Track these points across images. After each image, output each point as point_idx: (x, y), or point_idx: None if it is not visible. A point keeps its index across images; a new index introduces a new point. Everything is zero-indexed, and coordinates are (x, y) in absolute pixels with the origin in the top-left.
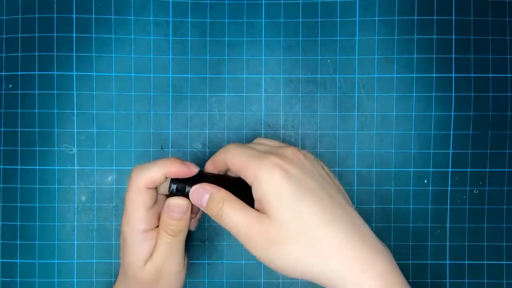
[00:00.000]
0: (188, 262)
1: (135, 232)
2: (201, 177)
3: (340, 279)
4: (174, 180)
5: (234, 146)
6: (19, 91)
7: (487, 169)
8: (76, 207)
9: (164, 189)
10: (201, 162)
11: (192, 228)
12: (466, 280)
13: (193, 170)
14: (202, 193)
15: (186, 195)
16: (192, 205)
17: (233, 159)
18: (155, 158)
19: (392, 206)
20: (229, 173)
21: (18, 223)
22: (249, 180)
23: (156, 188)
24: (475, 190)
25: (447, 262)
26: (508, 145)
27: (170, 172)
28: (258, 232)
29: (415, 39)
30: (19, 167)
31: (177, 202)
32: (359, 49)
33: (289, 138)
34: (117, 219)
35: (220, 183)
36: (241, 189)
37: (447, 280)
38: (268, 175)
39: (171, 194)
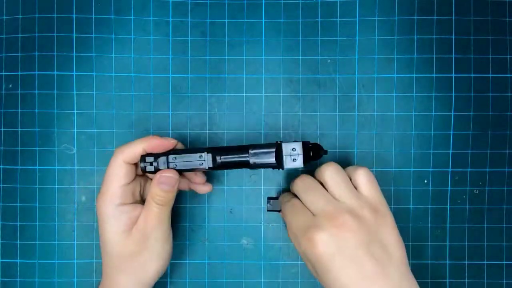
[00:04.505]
0: (172, 236)
1: (110, 206)
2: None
3: None
4: (144, 155)
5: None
6: (19, 91)
7: (487, 169)
8: (76, 207)
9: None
10: None
11: (206, 191)
12: (466, 280)
13: (171, 141)
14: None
15: (156, 168)
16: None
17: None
18: (155, 158)
19: (392, 206)
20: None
21: (18, 223)
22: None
23: (135, 165)
24: (475, 190)
25: (447, 262)
26: (508, 145)
27: (149, 145)
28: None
29: (415, 39)
30: (19, 167)
31: (167, 175)
32: (359, 49)
33: (289, 138)
34: None
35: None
36: None
37: (447, 280)
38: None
39: (142, 170)
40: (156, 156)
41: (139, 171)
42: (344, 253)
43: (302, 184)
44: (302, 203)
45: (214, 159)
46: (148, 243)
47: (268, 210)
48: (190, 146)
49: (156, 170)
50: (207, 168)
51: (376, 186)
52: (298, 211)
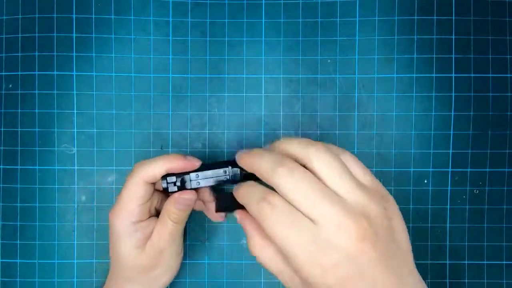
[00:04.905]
0: (183, 248)
1: (125, 224)
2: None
3: None
4: (165, 175)
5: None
6: (19, 91)
7: (487, 169)
8: (76, 207)
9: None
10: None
11: (221, 219)
12: (466, 280)
13: (195, 164)
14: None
15: (180, 188)
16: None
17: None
18: (177, 177)
19: None
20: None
21: (18, 223)
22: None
23: (153, 184)
24: (475, 190)
25: (447, 262)
26: (508, 145)
27: (172, 167)
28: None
29: (415, 39)
30: (19, 167)
31: (186, 197)
32: (359, 49)
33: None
34: None
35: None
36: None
37: (447, 280)
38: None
39: (164, 189)
40: (178, 175)
41: (157, 186)
42: (363, 275)
43: (290, 174)
44: (288, 202)
45: (239, 172)
46: (161, 258)
47: (217, 211)
48: (190, 146)
49: (180, 189)
50: (231, 181)
51: (369, 171)
52: (290, 219)
